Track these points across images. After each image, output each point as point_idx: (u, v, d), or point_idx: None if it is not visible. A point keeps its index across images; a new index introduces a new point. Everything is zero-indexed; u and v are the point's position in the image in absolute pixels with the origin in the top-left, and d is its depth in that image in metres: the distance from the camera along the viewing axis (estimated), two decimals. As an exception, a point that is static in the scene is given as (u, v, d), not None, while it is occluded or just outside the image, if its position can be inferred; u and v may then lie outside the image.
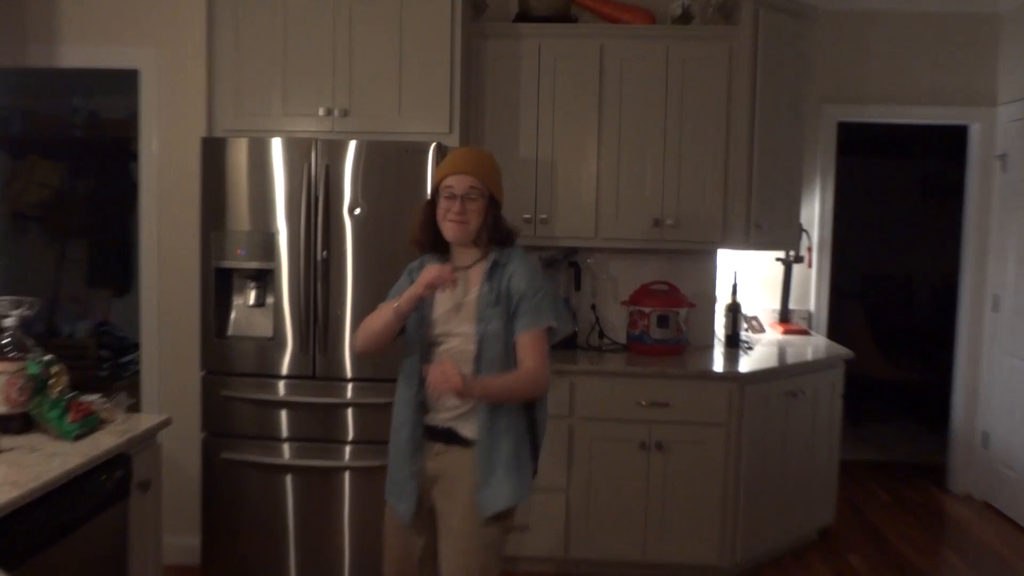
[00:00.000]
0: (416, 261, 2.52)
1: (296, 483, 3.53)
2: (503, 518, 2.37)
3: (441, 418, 2.40)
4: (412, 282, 2.39)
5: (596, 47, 4.01)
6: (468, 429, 2.37)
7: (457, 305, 2.40)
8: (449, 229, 2.37)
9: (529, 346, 2.34)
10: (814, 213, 4.91)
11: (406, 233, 2.52)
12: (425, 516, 2.43)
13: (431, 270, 2.28)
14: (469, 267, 2.42)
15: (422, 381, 2.31)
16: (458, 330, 2.38)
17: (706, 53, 4.02)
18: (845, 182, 5.10)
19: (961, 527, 4.69)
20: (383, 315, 2.38)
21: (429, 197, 2.46)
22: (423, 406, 2.41)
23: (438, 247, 2.46)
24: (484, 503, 2.32)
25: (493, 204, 2.42)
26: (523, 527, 3.77)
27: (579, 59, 4.02)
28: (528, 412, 2.42)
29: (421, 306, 2.40)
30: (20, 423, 2.31)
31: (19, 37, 3.78)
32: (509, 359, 2.35)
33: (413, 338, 2.43)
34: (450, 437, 2.39)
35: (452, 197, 2.35)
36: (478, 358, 2.34)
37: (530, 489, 2.42)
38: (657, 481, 3.78)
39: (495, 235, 2.42)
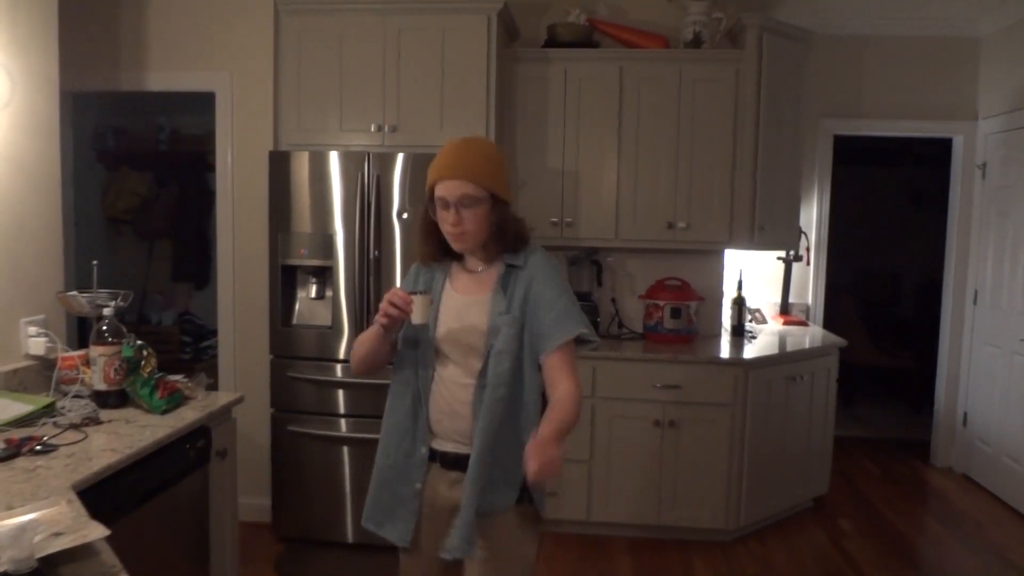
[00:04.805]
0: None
1: (352, 453, 3.56)
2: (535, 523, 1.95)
3: (454, 444, 1.91)
4: (414, 284, 2.00)
5: (616, 69, 4.00)
6: None
7: (463, 312, 1.91)
8: (450, 242, 1.90)
9: (560, 366, 1.82)
10: (812, 217, 4.86)
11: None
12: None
13: (391, 295, 1.81)
14: (480, 272, 1.95)
15: (416, 397, 1.94)
16: (465, 340, 1.89)
17: (715, 74, 3.99)
18: (840, 189, 5.04)
19: (942, 496, 4.62)
20: (371, 334, 1.93)
21: (425, 205, 1.93)
22: (426, 427, 1.94)
23: (449, 253, 1.96)
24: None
25: (497, 205, 1.87)
26: (551, 493, 3.78)
27: (601, 80, 4.01)
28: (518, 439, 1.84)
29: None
30: (117, 399, 2.36)
31: (113, 65, 3.85)
32: (516, 376, 1.85)
33: (410, 347, 1.96)
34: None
35: (446, 207, 1.84)
36: (483, 373, 1.86)
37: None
38: (669, 454, 3.77)
39: (503, 240, 1.90)
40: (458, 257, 1.98)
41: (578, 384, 1.82)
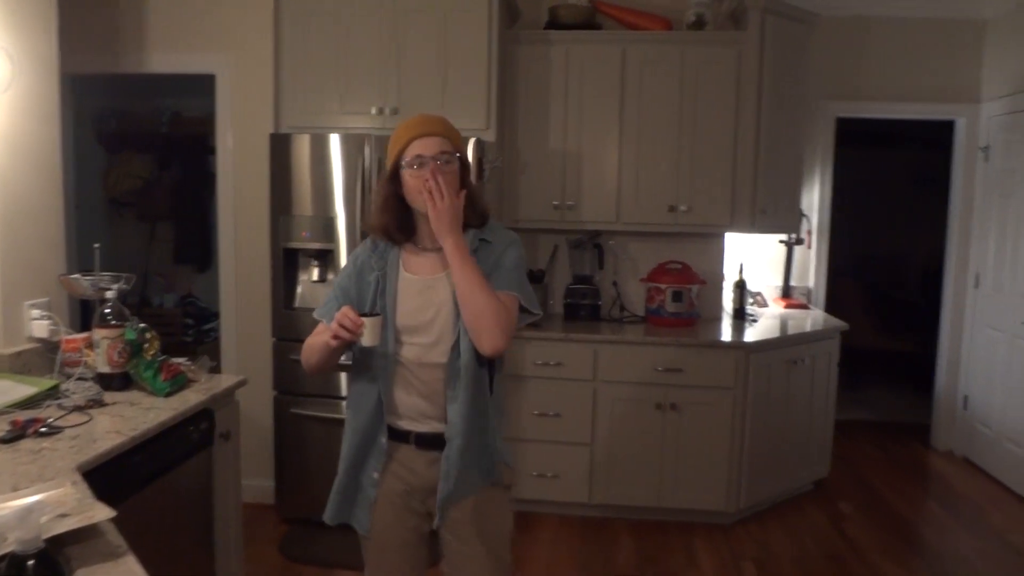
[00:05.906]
0: (363, 245, 1.98)
1: (354, 435, 3.57)
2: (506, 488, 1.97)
3: (428, 424, 1.87)
4: (358, 273, 1.92)
5: (618, 51, 3.98)
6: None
7: (424, 292, 1.86)
8: (424, 207, 1.80)
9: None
10: (814, 199, 4.85)
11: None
12: (423, 532, 1.96)
13: (342, 316, 1.74)
14: (438, 250, 1.84)
15: (381, 388, 1.88)
16: (429, 319, 1.84)
17: (717, 56, 3.96)
18: (842, 171, 5.02)
19: (942, 479, 4.64)
20: (320, 346, 1.86)
21: (388, 175, 1.89)
22: (391, 412, 1.89)
23: (403, 231, 1.90)
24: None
25: (464, 171, 1.86)
26: (553, 476, 3.81)
27: (603, 62, 3.98)
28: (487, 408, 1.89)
29: (378, 296, 1.87)
30: (121, 381, 2.36)
31: (113, 47, 3.83)
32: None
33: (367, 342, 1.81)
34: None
35: (422, 165, 1.79)
36: (455, 349, 1.81)
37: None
38: (671, 437, 3.79)
39: (472, 213, 1.86)
40: (408, 239, 1.91)
41: (512, 319, 1.81)
